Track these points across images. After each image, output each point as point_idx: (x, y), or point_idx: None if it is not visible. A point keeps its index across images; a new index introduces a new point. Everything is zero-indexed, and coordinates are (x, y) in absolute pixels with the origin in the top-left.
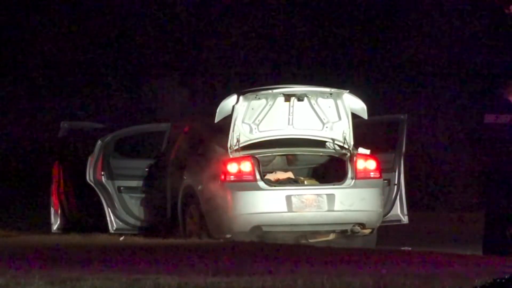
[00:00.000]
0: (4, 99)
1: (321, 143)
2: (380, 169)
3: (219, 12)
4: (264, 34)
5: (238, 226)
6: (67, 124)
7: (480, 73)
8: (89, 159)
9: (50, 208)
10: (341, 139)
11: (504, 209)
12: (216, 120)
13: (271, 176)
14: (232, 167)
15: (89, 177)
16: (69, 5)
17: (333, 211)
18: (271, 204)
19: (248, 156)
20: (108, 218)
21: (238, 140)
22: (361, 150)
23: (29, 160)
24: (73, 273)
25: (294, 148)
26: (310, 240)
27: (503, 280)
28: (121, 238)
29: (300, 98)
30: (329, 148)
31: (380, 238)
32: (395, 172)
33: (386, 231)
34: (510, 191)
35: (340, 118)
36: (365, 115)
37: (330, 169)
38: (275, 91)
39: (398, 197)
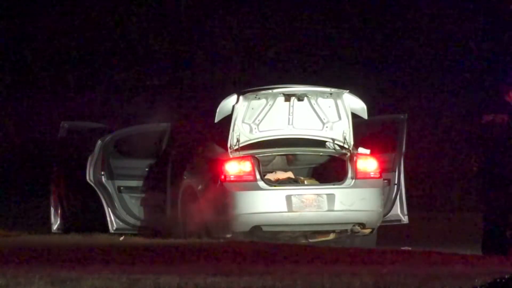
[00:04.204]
0: (4, 99)
1: (321, 143)
2: (380, 169)
3: (220, 10)
4: (264, 34)
5: (238, 226)
6: (67, 124)
7: (479, 73)
8: (89, 159)
9: (50, 208)
10: (341, 139)
11: (503, 209)
12: (216, 120)
13: (271, 176)
14: (232, 167)
15: (89, 177)
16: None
17: (333, 211)
18: (271, 204)
19: (248, 156)
20: (108, 218)
21: (238, 140)
22: (361, 150)
23: (29, 160)
24: (73, 273)
25: (294, 148)
26: (310, 240)
27: (503, 280)
28: (121, 238)
29: (300, 98)
30: (329, 148)
31: (380, 238)
32: (395, 172)
33: (386, 231)
34: (508, 191)
35: (340, 118)
36: (365, 115)
37: (330, 169)
38: (275, 91)
39: (398, 197)
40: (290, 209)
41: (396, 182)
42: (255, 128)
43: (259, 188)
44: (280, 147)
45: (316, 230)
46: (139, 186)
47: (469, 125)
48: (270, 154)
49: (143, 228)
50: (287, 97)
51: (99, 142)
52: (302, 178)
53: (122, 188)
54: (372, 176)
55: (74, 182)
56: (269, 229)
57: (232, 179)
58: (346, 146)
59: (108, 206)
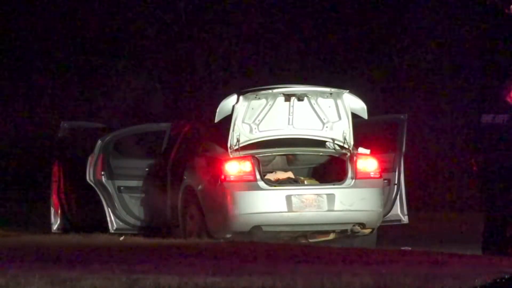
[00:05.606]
0: (4, 99)
1: (321, 143)
2: (380, 169)
3: (218, 11)
4: (264, 34)
5: (238, 226)
6: (67, 124)
7: (479, 73)
8: (89, 159)
9: (50, 208)
10: (341, 139)
11: (503, 209)
12: (216, 120)
13: (271, 176)
14: (232, 167)
15: (89, 177)
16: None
17: (333, 211)
18: (271, 204)
19: (248, 156)
20: (108, 218)
21: (238, 140)
22: (361, 150)
23: (29, 160)
24: (73, 273)
25: (294, 148)
26: (310, 240)
27: (503, 280)
28: (121, 238)
29: (300, 98)
30: (329, 148)
31: (380, 238)
32: (395, 172)
33: (386, 231)
34: (508, 192)
35: (340, 118)
36: (365, 115)
37: (330, 169)
38: (275, 91)
39: (398, 197)
40: (290, 209)
41: (396, 182)
42: (255, 128)
43: (259, 188)
44: (280, 147)
45: (316, 230)
46: (139, 186)
47: (469, 125)
48: (270, 154)
49: (143, 228)
50: (287, 97)
51: (99, 142)
52: (302, 178)
53: (122, 188)
54: (372, 176)
55: (74, 182)
56: (269, 229)
57: (232, 179)
58: (346, 146)
59: (108, 206)
